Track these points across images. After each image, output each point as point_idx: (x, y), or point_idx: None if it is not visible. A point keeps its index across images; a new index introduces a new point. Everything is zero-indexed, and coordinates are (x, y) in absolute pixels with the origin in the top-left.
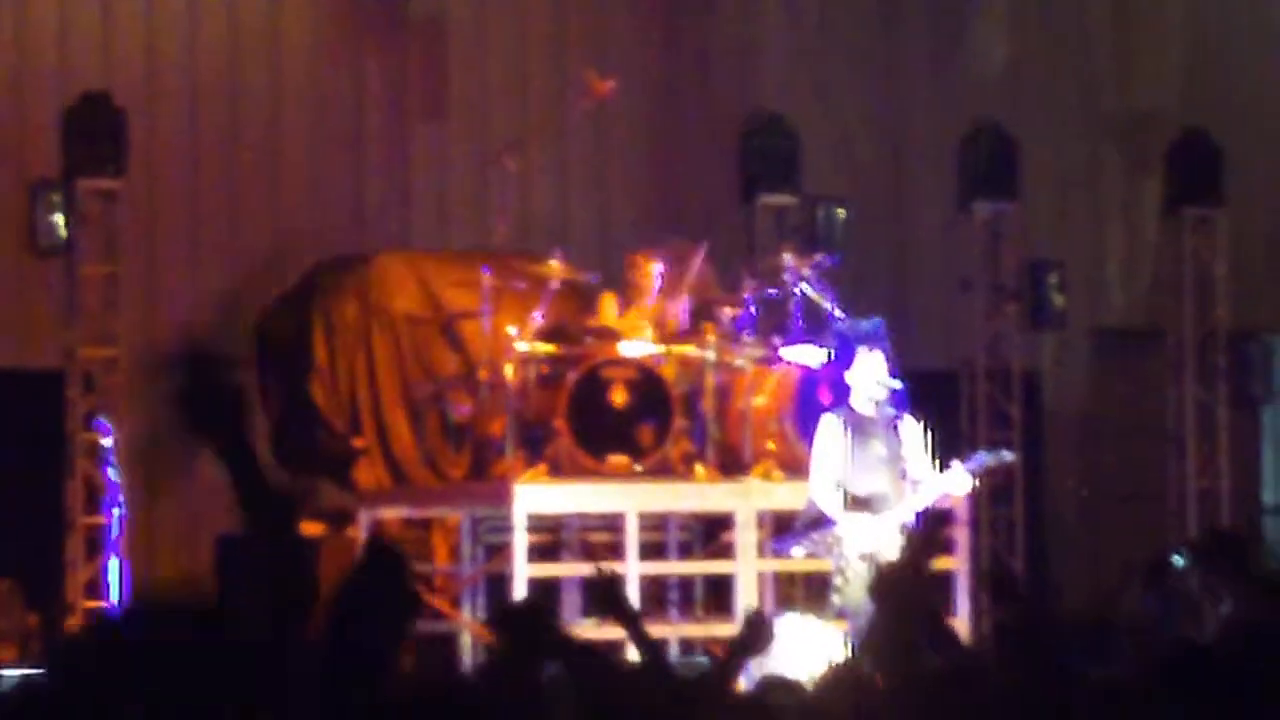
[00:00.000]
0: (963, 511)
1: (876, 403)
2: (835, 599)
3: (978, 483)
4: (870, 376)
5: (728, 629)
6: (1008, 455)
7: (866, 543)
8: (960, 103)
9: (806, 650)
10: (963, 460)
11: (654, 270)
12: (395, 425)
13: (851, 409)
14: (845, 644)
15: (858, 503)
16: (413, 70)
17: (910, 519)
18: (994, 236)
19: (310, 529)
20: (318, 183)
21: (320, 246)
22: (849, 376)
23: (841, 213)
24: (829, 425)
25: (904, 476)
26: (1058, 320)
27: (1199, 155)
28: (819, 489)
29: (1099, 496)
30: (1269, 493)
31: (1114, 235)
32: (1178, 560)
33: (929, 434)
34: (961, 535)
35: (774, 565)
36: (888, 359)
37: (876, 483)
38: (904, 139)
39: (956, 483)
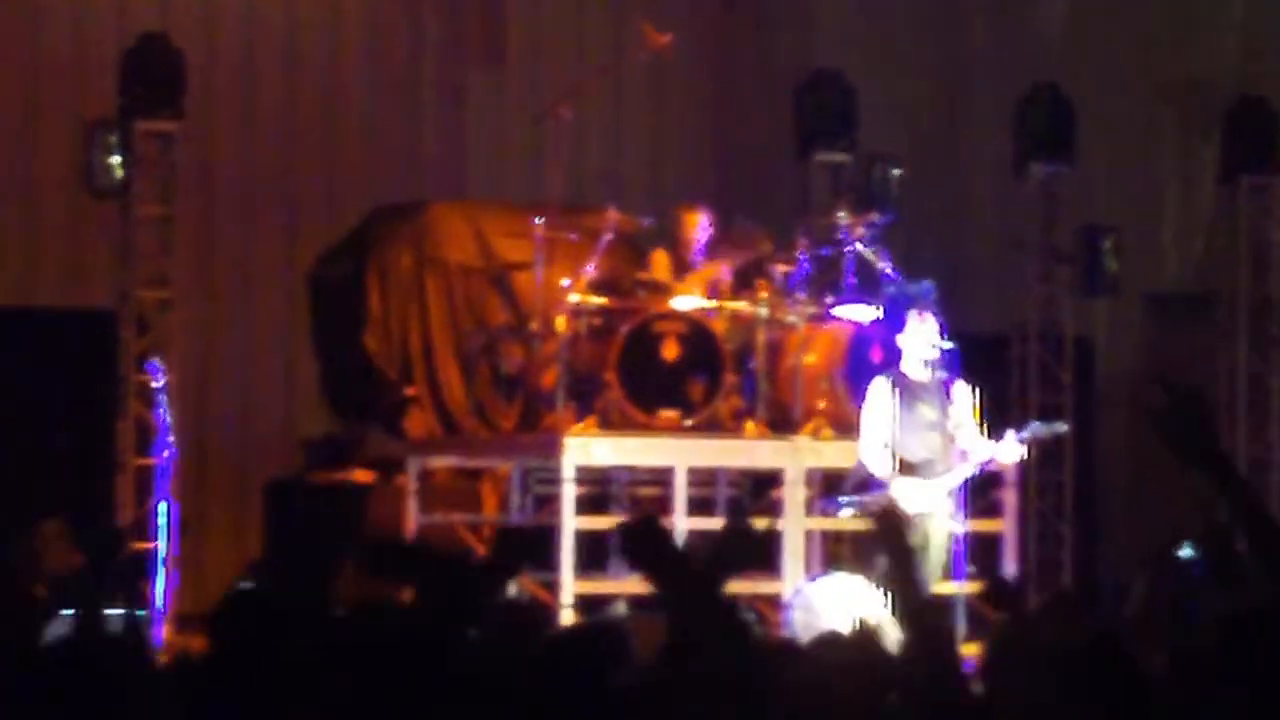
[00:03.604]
0: (1012, 475)
1: (927, 366)
2: (883, 563)
3: (1028, 451)
4: (921, 340)
5: (774, 587)
6: (1061, 426)
7: (915, 506)
8: (1018, 64)
9: (854, 609)
10: (1016, 428)
11: (699, 221)
12: (447, 375)
13: (902, 372)
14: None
15: (907, 466)
16: (470, 18)
17: (959, 484)
18: (1049, 200)
19: (361, 476)
20: (374, 129)
21: (375, 194)
22: (900, 339)
23: (897, 172)
24: (879, 388)
25: (954, 441)
26: (1111, 285)
27: (1256, 122)
28: (868, 451)
29: (1149, 463)
30: None
31: (1169, 201)
32: (1185, 551)
33: (980, 398)
34: (1010, 498)
35: (822, 524)
36: (939, 322)
37: (926, 446)
38: (961, 99)
39: (1008, 450)
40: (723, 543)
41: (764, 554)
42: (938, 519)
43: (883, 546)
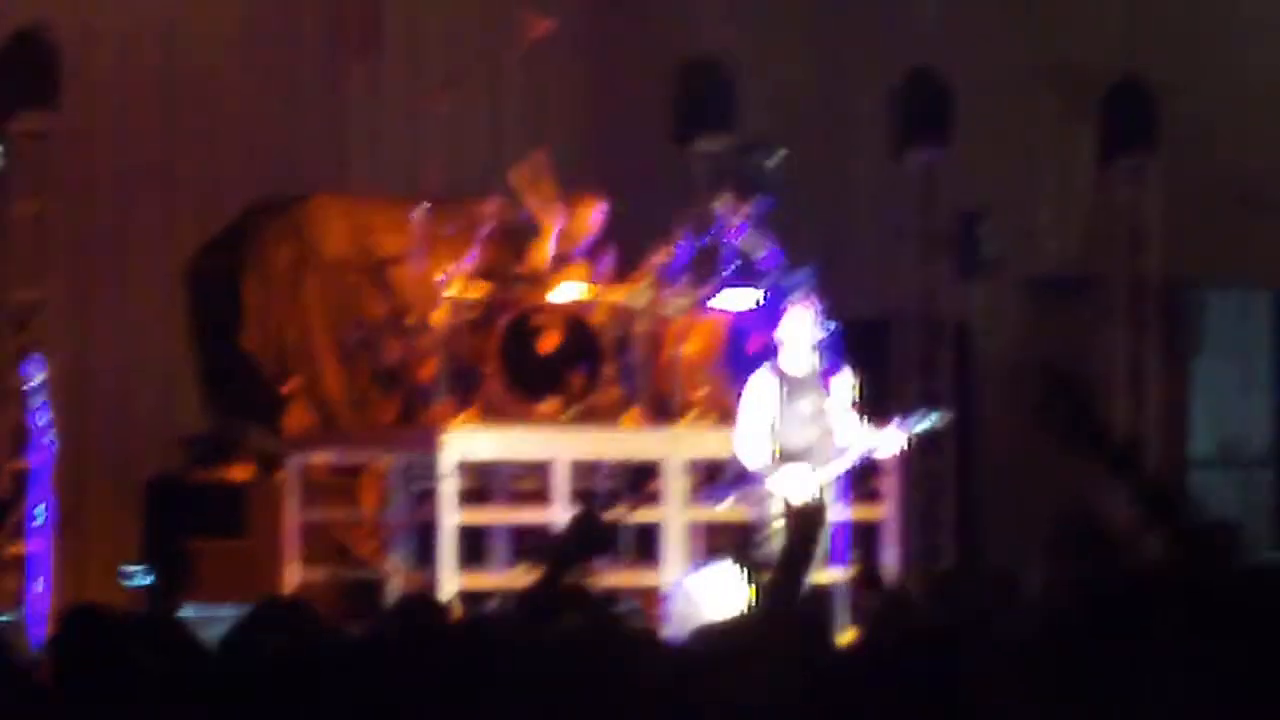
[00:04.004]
0: (892, 461)
1: (806, 357)
2: (761, 551)
3: (908, 442)
4: (800, 332)
5: (655, 578)
6: (942, 418)
7: (795, 497)
8: (896, 48)
9: (734, 599)
10: (897, 420)
11: (590, 213)
12: (325, 370)
13: (781, 363)
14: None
15: (787, 457)
16: (347, 9)
17: (839, 474)
18: (927, 184)
19: (240, 473)
20: (253, 122)
21: (255, 186)
22: (779, 332)
23: (776, 158)
24: (758, 379)
25: (833, 432)
26: (990, 269)
27: (1134, 104)
28: (746, 443)
29: (1029, 446)
30: (1197, 444)
31: (1047, 183)
32: (1075, 532)
33: (860, 387)
34: (891, 484)
35: (703, 514)
36: (818, 311)
37: (805, 438)
38: (839, 85)
39: (888, 441)
40: (567, 534)
41: (610, 545)
42: (822, 510)
43: (793, 536)
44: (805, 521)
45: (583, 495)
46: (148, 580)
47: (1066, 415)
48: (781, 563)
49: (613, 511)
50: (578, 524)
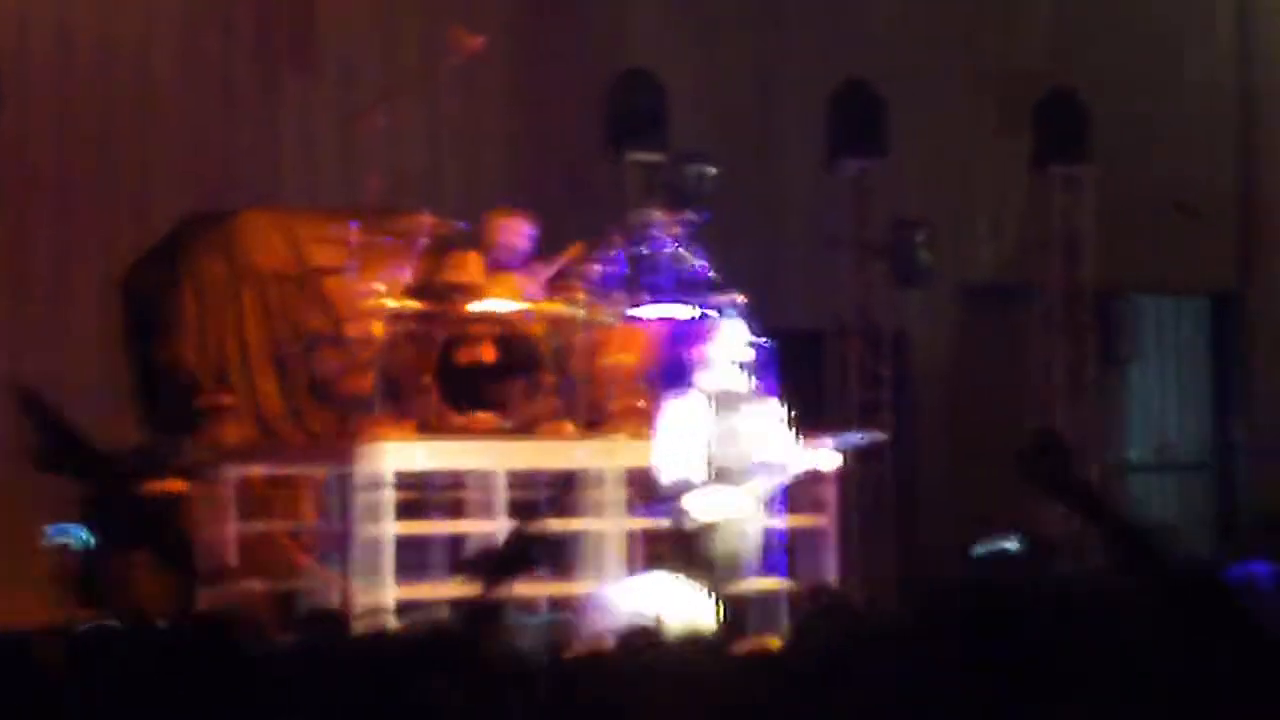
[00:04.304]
0: (831, 470)
1: (736, 375)
2: (698, 561)
3: (844, 459)
4: (730, 350)
5: (588, 587)
6: (877, 436)
7: (726, 513)
8: (829, 59)
9: (673, 607)
10: (833, 437)
11: (517, 227)
12: (262, 382)
13: (711, 381)
14: (711, 600)
15: (717, 475)
16: (281, 24)
17: (772, 490)
18: (862, 193)
19: (177, 486)
20: (188, 135)
21: (189, 202)
22: (709, 349)
23: (710, 170)
24: (688, 398)
25: (764, 449)
26: (925, 278)
27: (1067, 113)
28: (668, 461)
29: (966, 452)
30: (1135, 450)
31: (982, 193)
32: (1010, 546)
33: (796, 397)
34: (828, 493)
35: (641, 523)
36: (748, 329)
37: (736, 455)
38: (773, 95)
39: (823, 459)
40: (505, 546)
41: (548, 556)
42: (748, 521)
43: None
44: (702, 540)
45: (521, 507)
46: (82, 538)
47: (1050, 470)
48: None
49: (546, 524)
50: (515, 537)
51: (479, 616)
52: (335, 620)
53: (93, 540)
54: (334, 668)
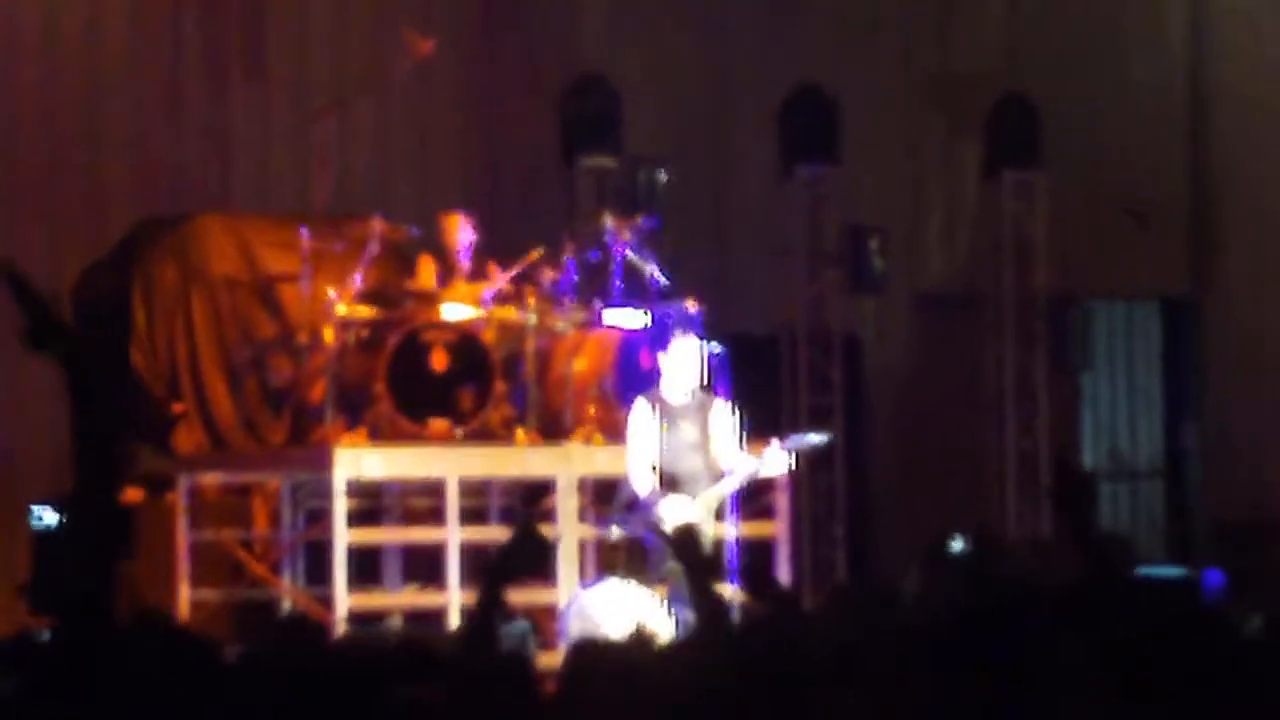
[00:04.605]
0: (783, 478)
1: (688, 385)
2: (658, 570)
3: (794, 462)
4: (683, 361)
5: (549, 595)
6: (826, 437)
7: (678, 522)
8: (782, 65)
9: (626, 615)
10: (781, 440)
11: (459, 226)
12: (214, 390)
13: (663, 392)
14: (665, 609)
15: (671, 484)
16: (230, 29)
17: (725, 498)
18: (815, 200)
19: (130, 495)
20: (137, 142)
21: (140, 207)
22: (662, 360)
23: (663, 175)
24: (640, 409)
25: (717, 458)
26: (878, 284)
27: (1018, 119)
28: (634, 472)
29: (919, 459)
30: (1087, 456)
31: (934, 199)
32: (955, 545)
33: (742, 412)
34: (781, 500)
35: (594, 532)
36: (700, 341)
37: (689, 465)
38: (726, 101)
39: (773, 463)
40: (511, 550)
41: (548, 560)
42: (706, 529)
43: (682, 561)
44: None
45: (515, 513)
46: (56, 520)
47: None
48: (692, 586)
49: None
50: (517, 539)
51: (480, 621)
52: (311, 628)
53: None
54: (311, 676)
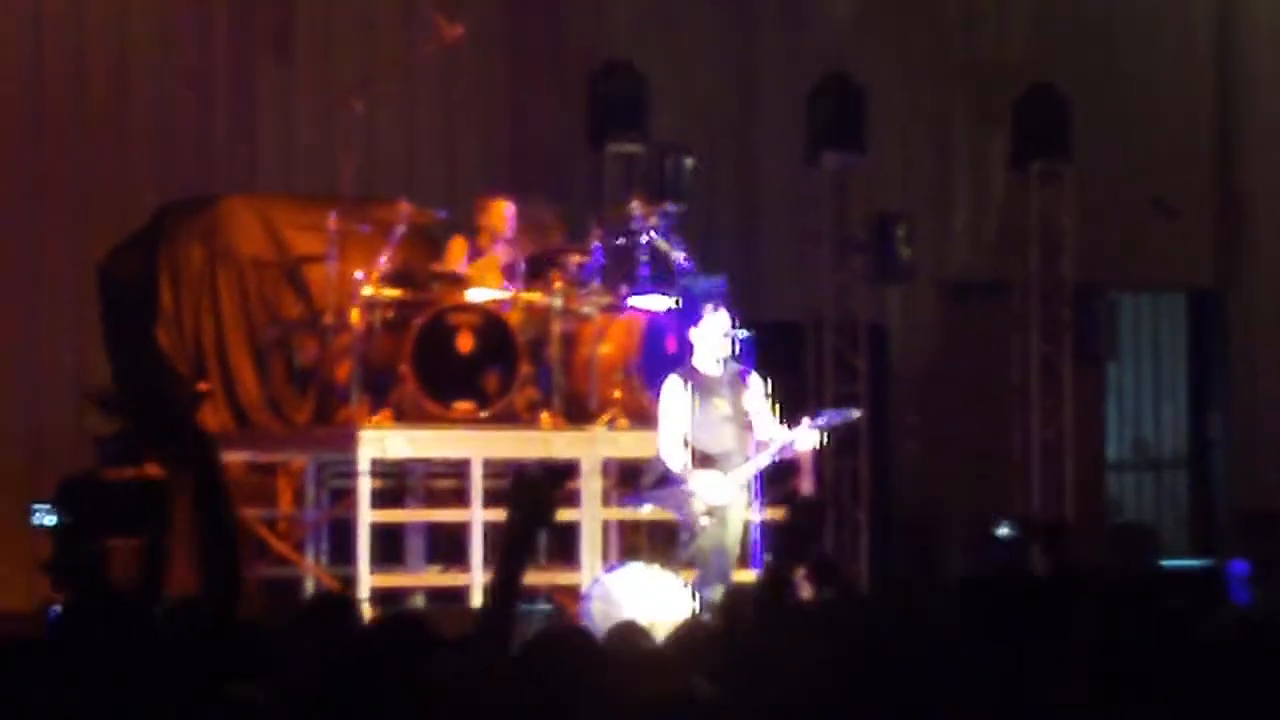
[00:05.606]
0: (808, 463)
1: (719, 360)
2: (684, 553)
3: (824, 438)
4: (714, 335)
5: (573, 578)
6: (855, 413)
7: (714, 498)
8: (810, 53)
9: (652, 599)
10: (810, 416)
11: (505, 212)
12: (240, 370)
13: (695, 367)
14: (691, 593)
15: (704, 459)
16: (259, 11)
17: (757, 473)
18: (841, 188)
19: (154, 472)
20: (165, 124)
21: (167, 188)
22: (693, 334)
23: (690, 161)
24: (673, 384)
25: (749, 432)
26: (904, 273)
27: (1046, 109)
28: (666, 447)
29: (944, 448)
30: (1112, 448)
31: (961, 188)
32: (1003, 531)
33: (773, 388)
34: (806, 486)
35: (619, 514)
36: (731, 315)
37: (722, 440)
38: (754, 89)
39: (803, 439)
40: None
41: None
42: (736, 509)
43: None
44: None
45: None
46: (55, 518)
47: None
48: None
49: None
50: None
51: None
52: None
53: (63, 521)
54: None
